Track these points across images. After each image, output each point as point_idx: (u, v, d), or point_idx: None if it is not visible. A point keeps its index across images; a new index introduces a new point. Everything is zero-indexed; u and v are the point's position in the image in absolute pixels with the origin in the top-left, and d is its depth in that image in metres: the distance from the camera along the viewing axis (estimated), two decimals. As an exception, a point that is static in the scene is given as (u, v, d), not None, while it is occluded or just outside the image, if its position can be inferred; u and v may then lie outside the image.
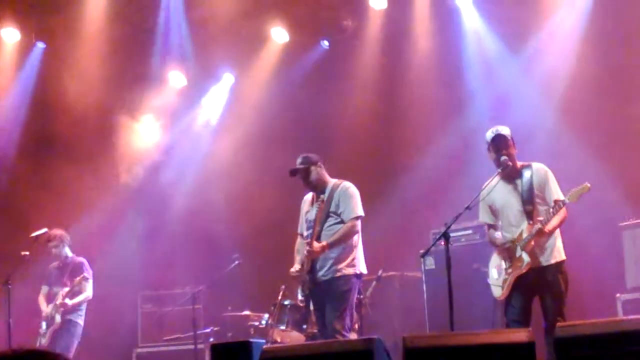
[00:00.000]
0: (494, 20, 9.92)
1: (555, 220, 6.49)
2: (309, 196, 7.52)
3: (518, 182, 6.73)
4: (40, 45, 10.77)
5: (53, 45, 10.74)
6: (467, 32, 10.13)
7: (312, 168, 7.34)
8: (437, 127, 10.20)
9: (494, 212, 6.88)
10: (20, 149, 10.78)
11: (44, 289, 9.39)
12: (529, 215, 6.60)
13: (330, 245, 7.07)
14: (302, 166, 7.35)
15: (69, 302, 9.06)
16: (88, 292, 9.20)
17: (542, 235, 6.48)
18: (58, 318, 9.06)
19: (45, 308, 9.22)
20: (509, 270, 6.63)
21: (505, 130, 6.74)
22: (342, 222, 7.16)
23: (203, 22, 10.33)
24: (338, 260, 7.11)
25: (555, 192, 6.64)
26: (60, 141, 10.78)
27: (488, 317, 8.13)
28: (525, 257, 6.53)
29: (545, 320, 6.54)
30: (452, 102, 10.16)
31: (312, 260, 7.14)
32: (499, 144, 6.69)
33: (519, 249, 6.58)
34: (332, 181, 7.39)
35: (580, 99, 9.06)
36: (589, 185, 6.35)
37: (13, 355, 2.00)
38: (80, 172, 10.56)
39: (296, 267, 7.24)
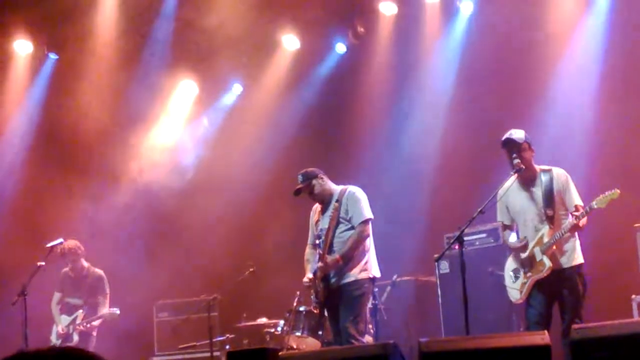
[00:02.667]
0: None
1: (584, 219, 6.49)
2: (318, 206, 7.55)
3: (537, 186, 6.73)
4: (52, 56, 10.83)
5: (65, 57, 10.80)
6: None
7: (314, 182, 7.36)
8: (450, 131, 10.18)
9: (510, 214, 6.89)
10: (32, 159, 10.82)
11: (57, 295, 9.41)
12: (550, 219, 6.60)
13: (343, 258, 7.08)
14: (304, 184, 7.38)
15: (87, 325, 9.17)
16: (105, 308, 9.29)
17: (576, 229, 6.49)
18: (75, 337, 9.13)
19: (59, 320, 9.25)
20: (529, 274, 6.63)
21: (517, 134, 6.74)
22: (352, 227, 7.17)
23: (213, 31, 10.34)
24: (351, 265, 7.11)
25: (576, 197, 6.67)
26: (72, 151, 10.83)
27: (503, 320, 8.13)
28: (547, 261, 6.53)
29: (562, 322, 6.54)
30: (465, 105, 10.14)
31: (325, 268, 7.17)
32: (509, 148, 6.71)
33: (539, 253, 6.58)
34: (338, 188, 7.40)
35: (599, 102, 9.06)
36: (619, 191, 6.34)
37: (50, 354, 2.03)
38: (91, 181, 10.61)
39: (309, 276, 7.27)
